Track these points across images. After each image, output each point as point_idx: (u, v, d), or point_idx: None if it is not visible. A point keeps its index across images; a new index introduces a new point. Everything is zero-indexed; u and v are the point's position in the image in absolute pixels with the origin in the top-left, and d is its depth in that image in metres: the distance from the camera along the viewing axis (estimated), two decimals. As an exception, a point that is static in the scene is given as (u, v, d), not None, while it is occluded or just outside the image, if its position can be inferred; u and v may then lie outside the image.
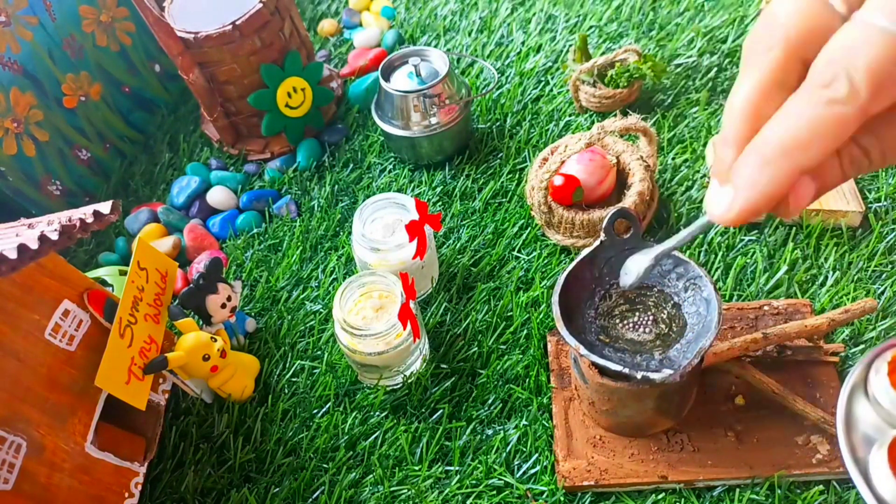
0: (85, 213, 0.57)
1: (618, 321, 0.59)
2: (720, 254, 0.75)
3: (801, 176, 0.27)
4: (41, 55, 0.85)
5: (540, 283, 0.76)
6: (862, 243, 0.74)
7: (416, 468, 0.65)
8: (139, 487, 0.64)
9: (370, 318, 0.67)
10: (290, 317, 0.78)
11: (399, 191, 0.89)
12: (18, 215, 0.86)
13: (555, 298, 0.56)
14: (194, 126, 1.03)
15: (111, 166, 0.97)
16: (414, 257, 0.71)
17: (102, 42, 0.93)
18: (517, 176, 0.87)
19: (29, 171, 0.85)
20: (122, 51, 0.96)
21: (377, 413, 0.69)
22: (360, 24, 1.16)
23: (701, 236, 0.77)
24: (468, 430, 0.66)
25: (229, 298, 0.71)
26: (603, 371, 0.56)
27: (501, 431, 0.66)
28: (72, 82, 0.89)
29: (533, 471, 0.63)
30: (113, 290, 0.75)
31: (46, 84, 0.86)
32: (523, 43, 1.04)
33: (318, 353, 0.75)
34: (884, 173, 0.79)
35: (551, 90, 0.97)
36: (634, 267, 0.47)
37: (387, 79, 0.86)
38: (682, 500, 0.60)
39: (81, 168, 0.92)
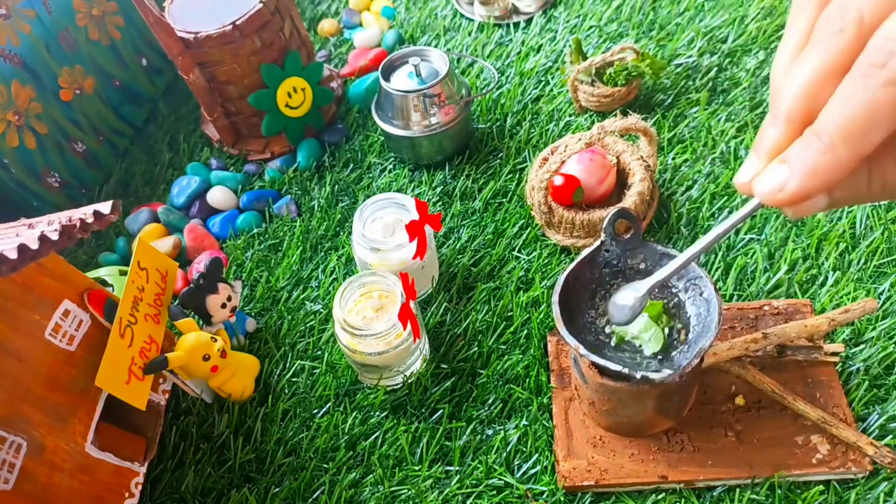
0: (85, 213, 0.57)
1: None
2: (720, 254, 0.75)
3: (860, 162, 0.26)
4: (39, 48, 0.85)
5: (540, 283, 0.76)
6: (862, 243, 0.74)
7: (417, 468, 0.65)
8: (139, 487, 0.64)
9: (370, 318, 0.67)
10: (290, 317, 0.78)
11: (399, 191, 0.89)
12: (21, 207, 0.86)
13: (555, 298, 0.56)
14: (194, 126, 1.03)
15: (105, 159, 0.97)
16: (414, 257, 0.71)
17: (94, 36, 0.93)
18: (517, 176, 0.87)
19: (30, 163, 0.85)
20: (112, 45, 0.96)
21: (377, 413, 0.69)
22: (360, 24, 1.16)
23: (700, 236, 0.77)
24: (468, 430, 0.66)
25: (229, 298, 0.71)
26: (603, 371, 0.56)
27: (501, 431, 0.66)
28: (67, 75, 0.89)
29: (533, 471, 0.63)
30: (113, 290, 0.75)
31: (44, 77, 0.86)
32: (523, 43, 1.04)
33: (319, 353, 0.75)
34: None
35: (551, 90, 0.97)
36: (624, 302, 0.45)
37: (387, 79, 0.86)
38: (682, 500, 0.60)
39: (78, 161, 0.92)
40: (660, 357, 0.56)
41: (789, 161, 0.28)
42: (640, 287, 0.45)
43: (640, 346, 0.56)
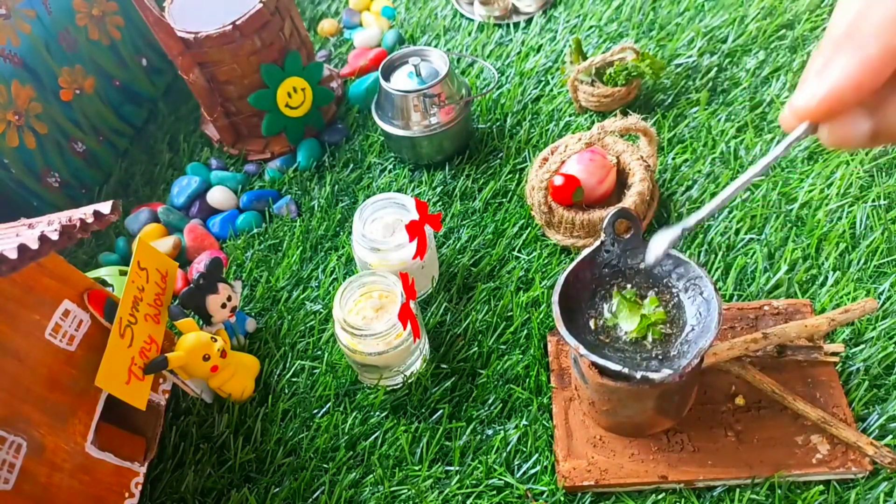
0: (85, 213, 0.57)
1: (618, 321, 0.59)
2: (720, 254, 0.75)
3: (891, 61, 0.26)
4: (39, 48, 0.85)
5: (540, 283, 0.76)
6: (862, 243, 0.74)
7: (417, 468, 0.65)
8: (139, 487, 0.64)
9: (370, 318, 0.67)
10: (290, 317, 0.78)
11: (399, 191, 0.89)
12: (21, 207, 0.86)
13: (555, 298, 0.56)
14: (194, 126, 1.03)
15: (105, 159, 0.97)
16: (414, 257, 0.71)
17: (94, 36, 0.93)
18: (517, 176, 0.87)
19: (30, 163, 0.85)
20: (112, 45, 0.96)
21: (377, 413, 0.69)
22: (361, 24, 1.16)
23: (700, 236, 0.77)
24: (468, 430, 0.66)
25: (229, 298, 0.71)
26: (603, 371, 0.56)
27: (501, 431, 0.66)
28: (67, 75, 0.89)
29: (533, 471, 0.63)
30: (113, 290, 0.75)
31: (44, 77, 0.86)
32: (523, 43, 1.04)
33: (319, 353, 0.75)
34: None
35: (551, 90, 0.97)
36: (655, 245, 0.46)
37: (387, 79, 0.86)
38: (682, 500, 0.60)
39: (78, 161, 0.92)
40: (660, 357, 0.56)
41: (823, 71, 0.28)
42: (676, 227, 0.47)
43: (619, 327, 0.57)
